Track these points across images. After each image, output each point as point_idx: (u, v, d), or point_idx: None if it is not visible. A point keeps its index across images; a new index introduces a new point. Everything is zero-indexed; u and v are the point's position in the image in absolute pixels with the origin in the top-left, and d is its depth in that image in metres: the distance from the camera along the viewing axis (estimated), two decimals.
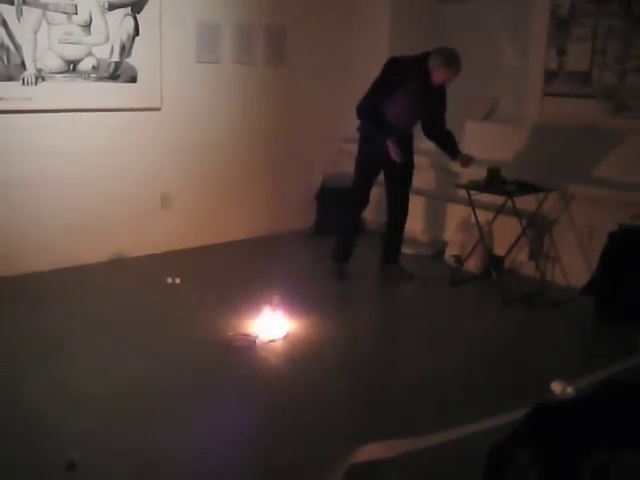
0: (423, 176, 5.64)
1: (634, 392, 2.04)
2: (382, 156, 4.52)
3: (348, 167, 5.91)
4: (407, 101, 4.47)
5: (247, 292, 4.37)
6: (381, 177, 4.82)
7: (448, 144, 4.63)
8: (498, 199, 4.62)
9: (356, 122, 4.72)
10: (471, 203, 4.67)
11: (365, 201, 4.83)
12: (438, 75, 4.35)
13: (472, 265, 4.95)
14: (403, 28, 5.70)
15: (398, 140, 4.49)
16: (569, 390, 3.14)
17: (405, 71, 4.42)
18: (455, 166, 5.08)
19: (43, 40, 4.42)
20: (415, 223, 5.65)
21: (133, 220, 5.04)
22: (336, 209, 5.56)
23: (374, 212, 5.53)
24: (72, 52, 4.56)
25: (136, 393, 3.16)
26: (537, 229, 4.84)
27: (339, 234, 4.98)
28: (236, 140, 5.53)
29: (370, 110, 4.48)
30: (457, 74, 4.36)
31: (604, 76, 4.60)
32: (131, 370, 3.36)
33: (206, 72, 5.25)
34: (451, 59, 4.30)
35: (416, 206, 5.53)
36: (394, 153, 4.42)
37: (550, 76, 4.88)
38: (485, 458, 1.99)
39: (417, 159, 4.88)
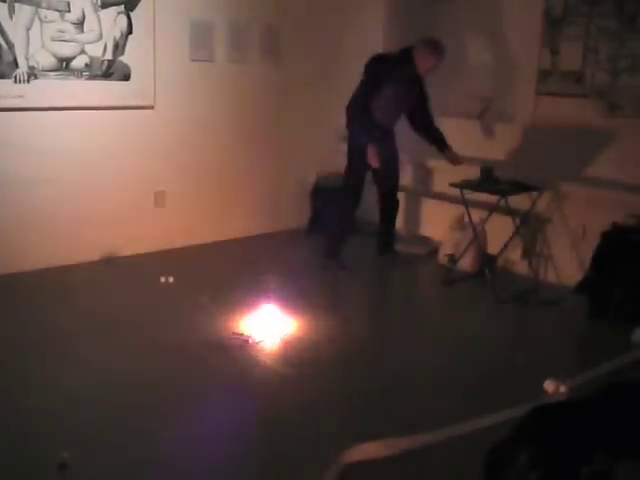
0: (417, 175, 5.66)
1: (635, 395, 2.02)
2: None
3: (343, 166, 5.93)
4: (394, 94, 4.66)
5: (241, 291, 4.36)
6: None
7: (436, 139, 4.84)
8: (491, 198, 4.63)
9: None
10: (465, 202, 4.69)
11: (357, 196, 4.89)
12: (426, 63, 4.57)
13: (466, 264, 4.96)
14: (397, 27, 5.71)
15: (380, 138, 4.68)
16: (562, 389, 3.15)
17: (391, 65, 4.62)
18: (448, 165, 5.10)
19: (35, 38, 4.39)
20: (409, 222, 5.67)
21: (126, 219, 5.02)
22: (330, 207, 5.61)
23: (369, 213, 5.51)
24: (65, 50, 4.53)
25: (129, 393, 3.14)
26: (530, 228, 4.86)
27: (331, 230, 5.05)
28: (230, 138, 5.52)
29: (360, 111, 4.66)
30: (442, 60, 4.59)
31: (597, 75, 4.61)
32: (125, 370, 3.35)
33: (200, 70, 5.23)
34: (436, 45, 4.56)
35: (410, 205, 5.55)
36: (373, 159, 4.60)
37: (543, 75, 4.89)
38: (484, 458, 1.99)
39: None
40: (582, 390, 3.12)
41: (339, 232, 5.00)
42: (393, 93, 4.65)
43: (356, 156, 4.75)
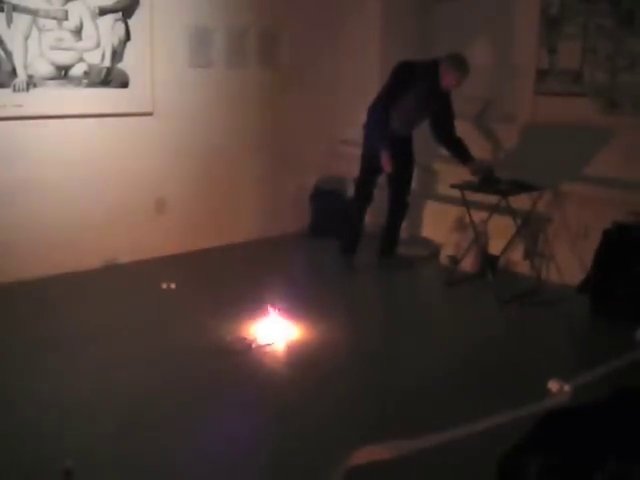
0: (418, 177, 5.65)
1: None
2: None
3: (342, 169, 5.94)
4: (415, 103, 4.66)
5: (243, 296, 4.36)
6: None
7: (458, 150, 4.75)
8: (492, 199, 4.64)
9: (354, 124, 4.82)
10: (466, 203, 4.68)
11: (367, 196, 5.00)
12: (449, 79, 4.53)
13: (467, 265, 4.96)
14: (394, 29, 5.70)
15: (397, 143, 4.69)
16: (566, 388, 3.14)
17: (416, 74, 4.60)
18: (448, 167, 5.11)
19: (34, 46, 4.40)
20: (410, 224, 5.66)
21: (127, 225, 5.02)
22: (330, 211, 5.64)
23: (372, 215, 5.50)
24: (63, 58, 4.54)
25: (134, 399, 3.14)
26: (531, 228, 4.85)
27: (344, 228, 5.13)
28: (229, 144, 5.52)
29: (378, 114, 4.67)
30: (466, 78, 4.55)
31: (595, 74, 4.61)
32: (128, 376, 3.35)
33: (198, 76, 5.24)
34: (462, 63, 4.52)
35: (411, 207, 5.54)
36: (387, 164, 4.62)
37: (541, 75, 4.89)
38: (496, 466, 1.95)
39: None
40: (586, 390, 3.11)
41: (352, 229, 5.05)
42: (413, 102, 4.65)
43: (369, 157, 4.81)
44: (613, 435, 1.85)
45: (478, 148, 5.14)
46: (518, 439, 1.96)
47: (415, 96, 4.62)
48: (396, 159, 4.66)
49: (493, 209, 4.75)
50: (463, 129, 5.32)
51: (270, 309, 3.96)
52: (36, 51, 4.41)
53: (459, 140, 4.77)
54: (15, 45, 4.33)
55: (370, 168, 4.85)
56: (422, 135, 5.03)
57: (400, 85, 4.62)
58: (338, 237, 5.20)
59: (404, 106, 4.66)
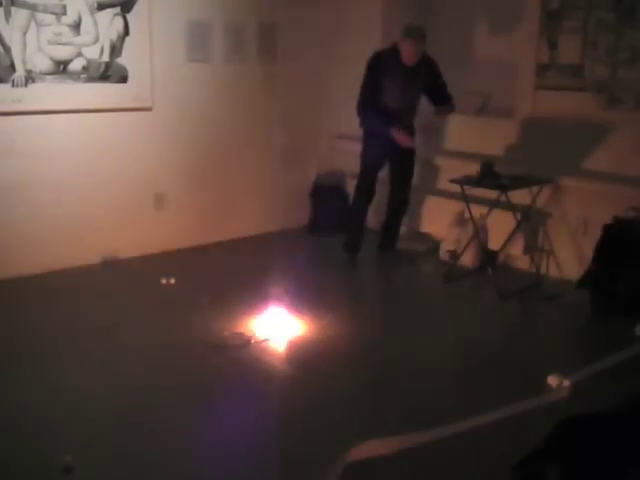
0: (418, 172, 5.64)
1: None
2: (387, 148, 4.70)
3: (341, 164, 5.94)
4: (395, 87, 4.65)
5: (242, 291, 4.35)
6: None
7: (444, 101, 4.84)
8: (492, 193, 4.63)
9: (353, 119, 4.81)
10: (465, 198, 4.67)
11: (369, 194, 5.00)
12: (404, 49, 4.54)
13: (467, 260, 4.95)
14: (396, 24, 5.67)
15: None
16: (565, 383, 3.14)
17: (385, 60, 4.62)
18: (448, 161, 5.08)
19: (32, 41, 4.38)
20: (410, 219, 5.65)
21: (126, 221, 5.02)
22: (330, 207, 5.63)
23: (373, 212, 5.49)
24: (62, 53, 4.53)
25: (133, 395, 3.14)
26: (531, 223, 4.84)
27: (347, 226, 5.12)
28: (228, 139, 5.51)
29: (368, 107, 4.68)
30: (419, 43, 4.53)
31: (596, 69, 4.59)
32: (127, 372, 3.35)
33: (197, 71, 5.22)
34: (409, 29, 4.52)
35: (411, 201, 5.54)
36: (402, 139, 4.60)
37: (542, 69, 4.88)
38: (511, 473, 1.92)
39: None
40: (586, 384, 3.12)
41: (355, 228, 5.05)
42: (392, 86, 4.65)
43: (370, 152, 4.82)
44: (634, 443, 1.81)
45: (478, 143, 5.14)
46: (534, 445, 1.91)
47: (392, 82, 4.63)
48: (398, 154, 4.65)
49: (493, 204, 4.74)
50: (463, 124, 5.32)
51: (269, 305, 3.96)
52: (34, 46, 4.39)
53: (449, 98, 4.84)
54: (13, 40, 4.31)
55: (371, 164, 4.84)
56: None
57: (373, 77, 4.64)
58: (341, 234, 5.17)
59: (388, 97, 4.66)
